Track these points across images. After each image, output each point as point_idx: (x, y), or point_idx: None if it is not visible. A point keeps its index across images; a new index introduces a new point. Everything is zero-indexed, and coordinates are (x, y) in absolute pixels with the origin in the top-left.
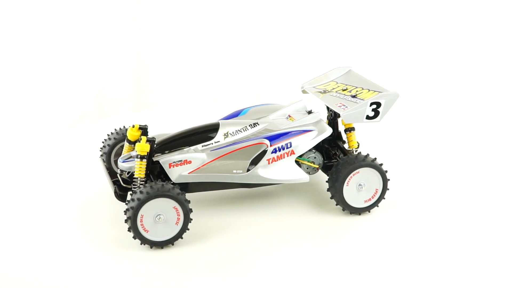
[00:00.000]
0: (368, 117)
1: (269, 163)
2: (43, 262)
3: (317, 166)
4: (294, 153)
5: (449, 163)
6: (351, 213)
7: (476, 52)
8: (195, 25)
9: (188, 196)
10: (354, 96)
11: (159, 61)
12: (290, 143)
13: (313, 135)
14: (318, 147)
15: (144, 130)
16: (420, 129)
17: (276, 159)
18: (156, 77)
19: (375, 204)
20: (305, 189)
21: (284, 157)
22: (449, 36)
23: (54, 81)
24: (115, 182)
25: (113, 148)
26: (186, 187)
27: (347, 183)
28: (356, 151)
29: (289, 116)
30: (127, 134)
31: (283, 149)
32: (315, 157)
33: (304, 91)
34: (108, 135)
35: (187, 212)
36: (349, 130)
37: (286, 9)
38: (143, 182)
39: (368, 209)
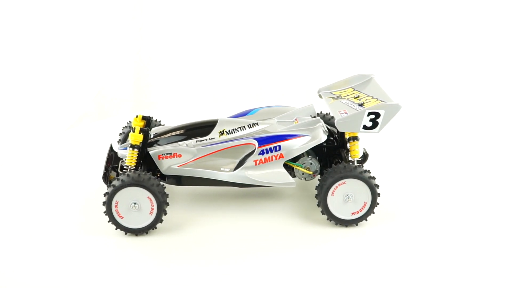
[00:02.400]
0: (365, 127)
1: (256, 165)
2: (40, 257)
3: (311, 173)
4: (283, 157)
5: (452, 182)
6: (336, 224)
7: (480, 66)
8: (195, 25)
9: (184, 190)
10: (361, 105)
11: (159, 61)
12: (279, 146)
13: (306, 140)
14: (319, 154)
15: (147, 120)
16: (431, 143)
17: (263, 161)
18: (156, 77)
19: (363, 217)
20: (301, 193)
21: (272, 160)
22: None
23: (54, 81)
24: (115, 168)
25: (127, 136)
26: (180, 180)
27: (332, 193)
28: (363, 161)
29: (296, 119)
30: (132, 124)
31: (271, 151)
32: (311, 163)
33: (320, 96)
34: (127, 123)
35: (160, 203)
36: (352, 139)
37: (285, 10)
38: (133, 171)
39: (355, 222)
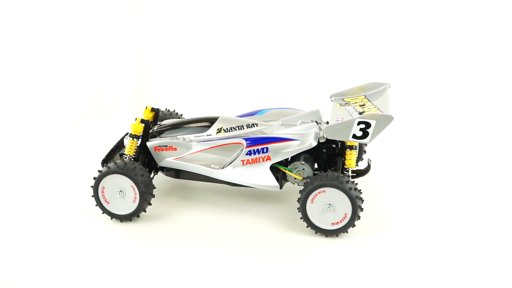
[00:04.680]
0: (355, 137)
1: (243, 164)
2: (39, 254)
3: (301, 178)
4: (270, 159)
5: (447, 200)
6: (316, 232)
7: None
8: (195, 25)
9: (183, 184)
10: (361, 113)
11: (159, 61)
12: (267, 148)
13: (294, 144)
14: (320, 160)
15: (156, 112)
16: (434, 154)
17: (251, 161)
18: (156, 78)
19: (343, 229)
20: (293, 198)
21: (259, 161)
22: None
23: (54, 81)
24: (121, 155)
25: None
26: (178, 173)
27: (312, 200)
28: (364, 172)
29: (300, 123)
30: (142, 115)
31: (259, 153)
32: (303, 169)
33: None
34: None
35: (142, 193)
36: (349, 147)
37: (285, 10)
38: (131, 160)
39: (335, 233)
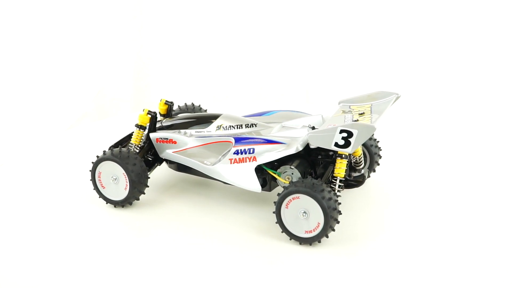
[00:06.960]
0: (337, 145)
1: (231, 163)
2: (37, 246)
3: (287, 182)
4: (255, 160)
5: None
6: (290, 239)
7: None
8: (195, 25)
9: (189, 177)
10: (354, 121)
11: (159, 61)
12: (253, 149)
13: (279, 148)
14: (314, 166)
15: (169, 105)
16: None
17: (238, 161)
18: (156, 78)
19: (316, 238)
20: None
21: (245, 161)
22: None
23: (54, 81)
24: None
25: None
26: (178, 166)
27: (286, 205)
28: (360, 183)
29: (302, 126)
30: (158, 108)
31: (245, 153)
32: (292, 173)
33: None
34: (178, 106)
35: (132, 181)
36: (339, 156)
37: (285, 10)
38: (137, 149)
39: (308, 241)
